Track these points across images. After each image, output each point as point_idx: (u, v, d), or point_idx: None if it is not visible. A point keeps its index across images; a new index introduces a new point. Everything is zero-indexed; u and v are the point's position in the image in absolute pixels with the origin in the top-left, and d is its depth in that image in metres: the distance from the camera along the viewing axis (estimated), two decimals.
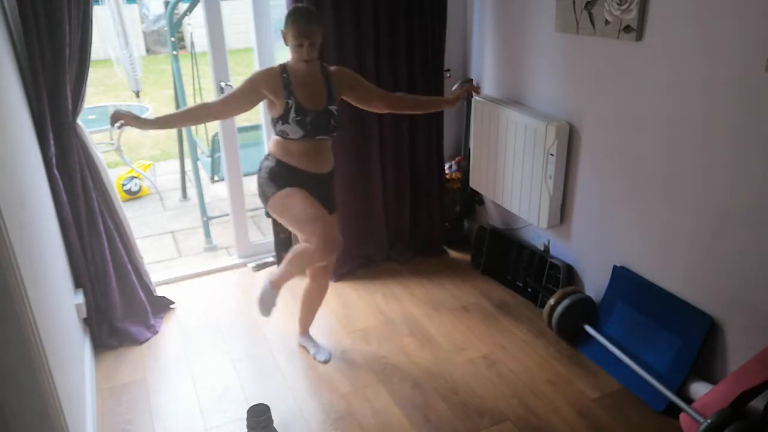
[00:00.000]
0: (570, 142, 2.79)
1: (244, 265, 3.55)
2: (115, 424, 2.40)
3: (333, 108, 2.37)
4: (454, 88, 3.41)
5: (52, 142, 2.53)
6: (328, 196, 2.51)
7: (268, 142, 3.38)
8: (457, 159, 3.64)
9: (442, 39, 3.22)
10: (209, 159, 4.51)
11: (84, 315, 2.72)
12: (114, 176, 4.71)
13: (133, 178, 5.06)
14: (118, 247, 2.82)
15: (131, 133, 6.84)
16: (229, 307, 3.17)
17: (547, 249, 3.11)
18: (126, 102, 6.59)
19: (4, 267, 1.46)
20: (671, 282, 2.45)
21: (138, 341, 2.87)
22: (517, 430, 2.31)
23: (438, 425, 2.34)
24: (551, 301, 2.77)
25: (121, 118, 2.28)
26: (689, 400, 2.28)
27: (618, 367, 2.54)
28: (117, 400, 2.51)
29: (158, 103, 7.92)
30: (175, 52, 4.18)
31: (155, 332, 2.95)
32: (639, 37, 2.33)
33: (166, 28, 4.38)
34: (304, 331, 2.81)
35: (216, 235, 4.21)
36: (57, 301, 2.16)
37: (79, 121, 2.65)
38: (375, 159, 3.28)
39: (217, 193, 5.00)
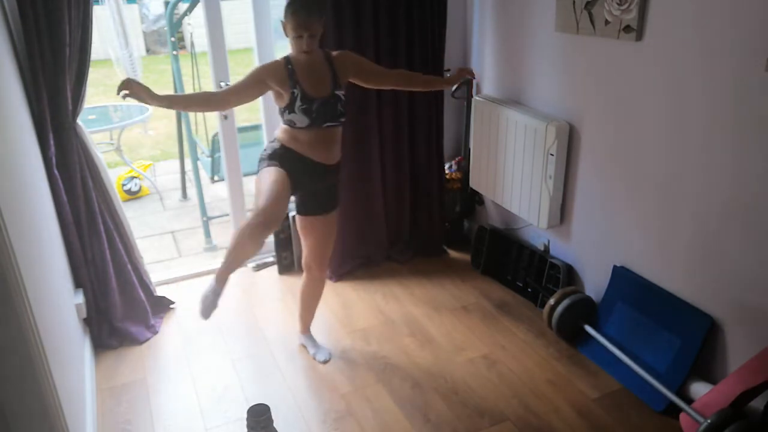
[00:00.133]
0: (570, 142, 2.79)
1: (244, 265, 3.55)
2: (115, 424, 2.40)
3: (340, 93, 2.35)
4: (453, 88, 3.42)
5: (52, 142, 2.53)
6: (329, 189, 2.49)
7: (268, 142, 3.39)
8: (457, 159, 3.64)
9: (442, 39, 3.22)
10: (209, 159, 4.52)
11: (84, 315, 2.72)
12: (114, 176, 4.71)
13: (133, 178, 5.06)
14: (118, 247, 2.82)
15: (131, 132, 6.85)
16: (229, 307, 3.17)
17: (547, 249, 3.11)
18: (126, 102, 6.58)
19: (4, 267, 1.46)
20: (671, 282, 2.45)
21: (138, 341, 2.87)
22: (517, 430, 2.31)
23: (438, 425, 2.34)
24: (551, 301, 2.77)
25: (130, 87, 2.13)
26: (689, 400, 2.28)
27: (618, 367, 2.54)
28: (117, 400, 2.51)
29: None
30: (175, 52, 4.18)
31: (155, 332, 2.95)
32: (639, 37, 2.33)
33: (166, 28, 4.38)
34: (305, 329, 2.81)
35: (216, 235, 4.21)
36: (57, 301, 2.16)
37: (79, 121, 2.65)
38: (375, 159, 3.28)
39: (217, 193, 5.00)
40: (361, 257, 3.48)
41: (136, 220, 4.58)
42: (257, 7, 3.14)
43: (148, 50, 11.45)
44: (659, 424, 2.32)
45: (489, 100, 3.15)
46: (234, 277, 3.41)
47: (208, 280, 2.37)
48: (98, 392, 2.56)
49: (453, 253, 3.65)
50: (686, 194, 2.30)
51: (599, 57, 2.55)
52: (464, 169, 3.57)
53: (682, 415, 2.21)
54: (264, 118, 3.36)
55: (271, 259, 3.54)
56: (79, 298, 2.66)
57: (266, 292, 3.31)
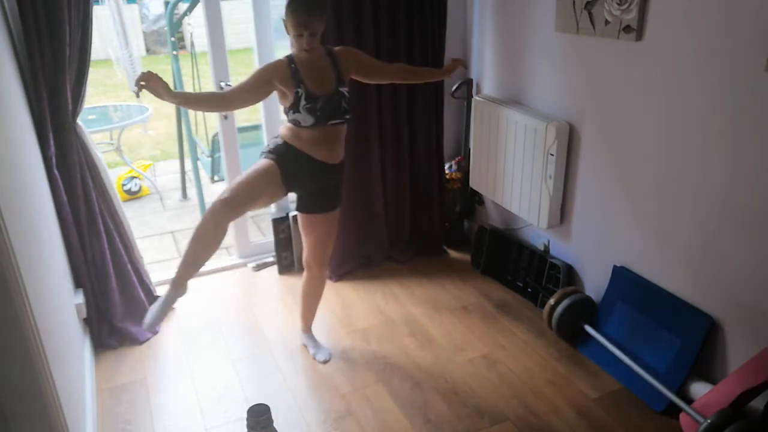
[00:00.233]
0: (570, 142, 2.79)
1: (244, 265, 3.55)
2: (115, 424, 2.40)
3: (344, 90, 2.34)
4: (453, 88, 3.42)
5: (52, 142, 2.53)
6: (331, 188, 2.49)
7: (268, 142, 3.40)
8: (457, 159, 3.64)
9: (442, 39, 3.22)
10: (209, 159, 4.52)
11: (84, 315, 2.72)
12: (114, 176, 4.71)
13: (133, 178, 5.06)
14: (118, 247, 2.82)
15: (131, 132, 6.85)
16: (229, 307, 3.17)
17: (547, 249, 3.11)
18: (126, 102, 6.59)
19: (4, 267, 1.46)
20: (671, 282, 2.45)
21: (138, 341, 2.87)
22: (517, 430, 2.31)
23: (438, 425, 2.35)
24: (551, 301, 2.77)
25: (149, 80, 2.09)
26: (689, 400, 2.28)
27: (618, 367, 2.54)
28: (117, 400, 2.51)
29: (158, 103, 7.90)
30: (175, 52, 4.18)
31: (155, 332, 2.95)
32: (639, 37, 2.33)
33: (166, 28, 4.38)
34: (307, 328, 2.81)
35: None
36: (57, 301, 2.16)
37: (79, 121, 2.65)
38: (375, 159, 3.28)
39: (217, 193, 5.00)
40: (361, 257, 3.48)
41: (136, 220, 4.58)
42: (257, 7, 3.14)
43: (148, 50, 11.45)
44: (659, 424, 2.32)
45: (489, 100, 3.15)
46: (234, 277, 3.45)
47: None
48: (98, 392, 2.56)
49: (453, 253, 3.65)
50: (686, 194, 2.30)
51: (599, 57, 2.55)
52: (464, 169, 3.57)
53: (682, 415, 2.21)
54: (264, 118, 3.36)
55: (271, 259, 3.54)
56: (79, 298, 2.66)
57: (266, 292, 3.31)
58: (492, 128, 3.12)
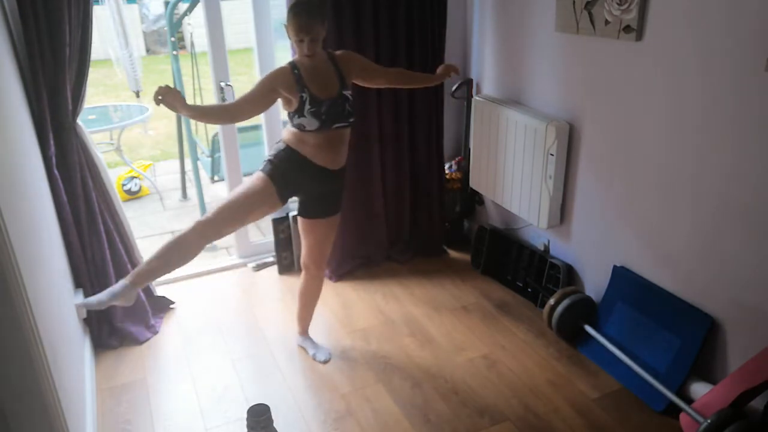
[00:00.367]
0: (570, 142, 2.79)
1: (244, 265, 3.55)
2: (115, 424, 2.40)
3: (347, 93, 2.35)
4: (453, 88, 3.42)
5: (52, 142, 2.53)
6: (332, 194, 2.49)
7: (268, 142, 3.40)
8: (457, 159, 3.64)
9: (442, 39, 3.22)
10: (209, 159, 4.52)
11: (84, 315, 2.72)
12: (114, 176, 4.71)
13: (133, 178, 5.06)
14: (118, 247, 2.82)
15: (131, 132, 6.86)
16: (229, 307, 3.17)
17: (547, 249, 3.11)
18: (126, 102, 6.59)
19: (4, 267, 1.46)
20: (671, 282, 2.45)
21: (138, 341, 2.87)
22: (517, 430, 2.31)
23: (438, 425, 2.35)
24: (551, 301, 2.77)
25: (166, 95, 2.11)
26: (689, 400, 2.28)
27: (618, 367, 2.54)
28: (117, 400, 2.51)
29: None
30: (175, 52, 4.18)
31: (155, 332, 2.95)
32: (639, 37, 2.33)
33: (166, 28, 4.38)
34: (304, 330, 2.81)
35: None
36: (57, 301, 2.16)
37: (79, 121, 2.65)
38: (375, 159, 3.28)
39: (217, 193, 5.00)
40: (361, 257, 3.48)
41: (136, 220, 4.58)
42: (257, 7, 3.14)
43: (148, 50, 11.45)
44: (659, 424, 2.32)
45: (489, 100, 3.15)
46: (234, 277, 3.46)
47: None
48: (98, 392, 2.56)
49: (453, 253, 3.65)
50: (686, 194, 2.30)
51: (599, 57, 2.55)
52: (464, 169, 3.57)
53: (682, 415, 2.21)
54: (264, 118, 3.36)
55: (271, 259, 3.54)
56: (79, 298, 2.66)
57: (266, 292, 3.31)
58: (492, 128, 3.12)
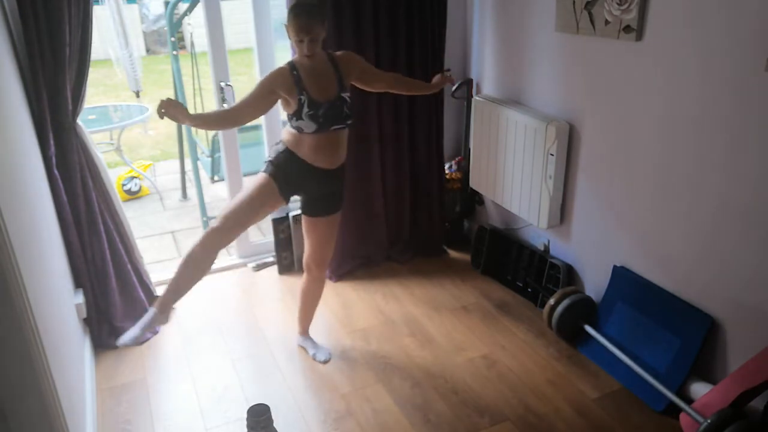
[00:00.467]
0: (570, 142, 2.79)
1: (244, 265, 3.55)
2: (115, 424, 2.40)
3: (345, 95, 2.35)
4: (453, 88, 3.42)
5: (52, 142, 2.53)
6: (332, 193, 2.50)
7: (268, 142, 3.40)
8: (457, 159, 3.64)
9: (442, 39, 3.22)
10: (209, 159, 4.52)
11: (84, 315, 2.72)
12: (114, 176, 4.71)
13: (133, 178, 5.06)
14: (118, 247, 2.82)
15: (131, 132, 6.86)
16: (229, 307, 3.17)
17: (547, 249, 3.11)
18: (126, 102, 6.59)
19: (4, 267, 1.46)
20: (671, 282, 2.45)
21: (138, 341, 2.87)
22: (517, 430, 2.31)
23: (438, 425, 2.35)
24: (551, 301, 2.77)
25: (169, 107, 2.17)
26: (689, 400, 2.28)
27: (618, 367, 2.54)
28: (117, 400, 2.51)
29: (158, 103, 7.90)
30: (175, 52, 4.18)
31: (155, 332, 2.95)
32: (639, 37, 2.33)
33: (166, 28, 4.38)
34: (304, 330, 2.81)
35: None
36: (57, 301, 2.16)
37: (79, 121, 2.65)
38: (375, 159, 3.28)
39: (217, 193, 5.00)
40: (361, 257, 3.48)
41: (136, 220, 4.58)
42: (257, 7, 3.14)
43: (148, 50, 11.46)
44: (659, 424, 2.32)
45: (489, 100, 3.15)
46: (234, 277, 3.46)
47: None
48: (98, 392, 2.56)
49: (453, 253, 3.65)
50: (686, 194, 2.30)
51: (599, 57, 2.55)
52: (464, 169, 3.57)
53: (682, 415, 2.21)
54: (264, 119, 3.36)
55: (271, 259, 3.54)
56: (79, 298, 2.66)
57: (266, 292, 3.31)
58: (492, 128, 3.12)
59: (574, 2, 2.56)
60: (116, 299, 2.84)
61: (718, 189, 2.17)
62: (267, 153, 2.51)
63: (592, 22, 2.50)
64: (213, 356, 2.78)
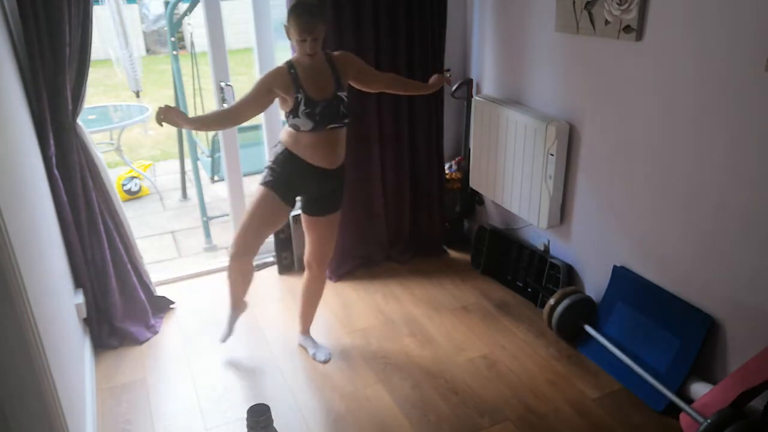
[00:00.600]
0: (570, 142, 2.79)
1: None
2: (115, 424, 2.40)
3: (342, 94, 2.37)
4: (453, 88, 3.42)
5: (52, 142, 2.53)
6: (332, 193, 2.52)
7: (268, 142, 3.40)
8: (457, 159, 3.64)
9: (442, 39, 3.22)
10: (209, 159, 4.51)
11: (84, 315, 2.72)
12: (114, 176, 4.71)
13: (133, 178, 5.06)
14: (118, 247, 2.82)
15: (131, 132, 6.85)
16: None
17: (547, 249, 3.11)
18: (126, 102, 6.59)
19: (4, 267, 1.46)
20: (671, 282, 2.45)
21: (138, 341, 2.87)
22: (517, 430, 2.31)
23: (438, 425, 2.35)
24: (551, 301, 2.77)
25: (168, 114, 2.22)
26: (689, 400, 2.28)
27: (618, 367, 2.54)
28: (117, 400, 2.51)
29: (158, 103, 7.86)
30: (175, 52, 4.17)
31: (155, 332, 2.95)
32: (639, 37, 2.33)
33: (166, 28, 4.38)
34: (305, 330, 2.82)
35: (216, 235, 4.21)
36: (57, 301, 2.16)
37: (79, 121, 2.65)
38: (375, 159, 3.28)
39: (217, 193, 5.01)
40: (361, 257, 3.48)
41: (136, 220, 4.58)
42: (257, 7, 3.14)
43: (148, 50, 11.46)
44: (659, 424, 2.32)
45: (489, 100, 3.15)
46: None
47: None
48: (98, 392, 2.56)
49: (453, 253, 3.65)
50: (686, 194, 2.30)
51: (599, 57, 2.55)
52: (464, 169, 3.57)
53: (682, 415, 2.21)
54: (264, 118, 3.36)
55: (271, 259, 3.54)
56: (79, 298, 2.66)
57: (266, 292, 3.31)
58: (492, 128, 3.12)
59: (574, 2, 2.56)
60: (116, 299, 2.84)
61: (718, 189, 2.17)
62: (267, 153, 2.53)
63: (592, 22, 2.50)
64: (213, 356, 2.79)
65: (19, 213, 1.76)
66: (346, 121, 2.39)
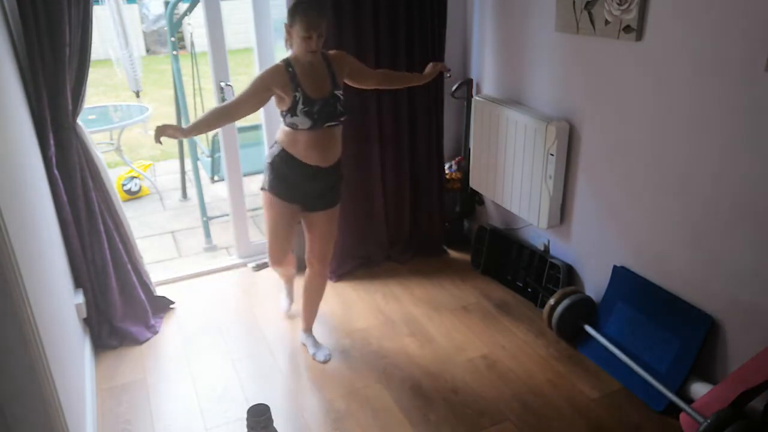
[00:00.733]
0: (570, 142, 2.79)
1: (244, 265, 3.55)
2: (115, 424, 2.40)
3: (339, 93, 2.40)
4: (453, 88, 3.42)
5: (52, 142, 2.53)
6: (329, 189, 2.54)
7: (268, 142, 3.40)
8: (457, 159, 3.64)
9: (442, 39, 3.22)
10: (209, 159, 4.51)
11: (84, 315, 2.72)
12: (114, 176, 4.71)
13: (133, 178, 5.06)
14: (118, 247, 2.82)
15: (131, 132, 6.85)
16: (229, 307, 3.17)
17: (547, 249, 3.11)
18: (126, 102, 6.59)
19: (4, 267, 1.46)
20: (671, 282, 2.45)
21: (138, 341, 2.87)
22: (517, 430, 2.31)
23: (438, 425, 2.35)
24: (551, 301, 2.77)
25: (165, 131, 2.27)
26: (689, 400, 2.28)
27: (618, 367, 2.54)
28: (117, 400, 2.51)
29: (158, 103, 7.92)
30: (175, 52, 4.17)
31: (155, 332, 2.95)
32: (639, 37, 2.33)
33: (166, 28, 4.38)
34: (307, 328, 2.82)
35: (216, 235, 4.21)
36: (57, 301, 2.16)
37: (79, 121, 2.65)
38: (375, 159, 3.28)
39: (217, 193, 5.01)
40: (361, 257, 3.48)
41: (136, 220, 4.58)
42: (257, 7, 3.14)
43: (148, 50, 11.46)
44: (659, 424, 2.32)
45: (489, 100, 3.15)
46: (234, 277, 3.47)
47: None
48: (98, 392, 2.56)
49: (453, 253, 3.65)
50: (686, 194, 2.30)
51: (599, 57, 2.55)
52: (464, 169, 3.57)
53: (682, 415, 2.21)
54: (264, 118, 3.36)
55: None
56: (79, 298, 2.66)
57: (266, 292, 3.31)
58: (492, 128, 3.12)
59: (574, 2, 2.56)
60: (116, 299, 2.84)
61: (718, 189, 2.17)
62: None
63: (592, 22, 2.50)
64: (213, 356, 2.78)
65: (19, 213, 1.76)
66: (342, 118, 2.41)
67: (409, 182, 3.44)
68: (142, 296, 2.94)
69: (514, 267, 3.26)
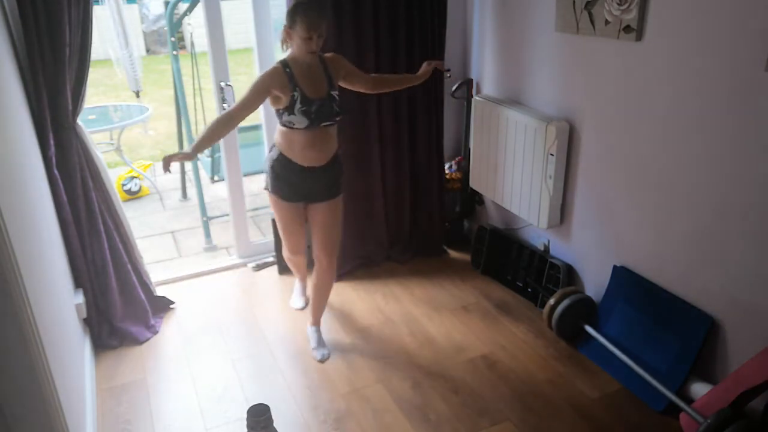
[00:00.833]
0: (570, 142, 2.79)
1: (244, 265, 3.55)
2: (115, 424, 2.40)
3: (335, 93, 2.44)
4: (453, 88, 3.42)
5: (52, 142, 2.53)
6: (330, 183, 2.58)
7: (268, 142, 3.40)
8: (457, 159, 3.64)
9: (442, 39, 3.22)
10: (209, 159, 4.51)
11: (84, 315, 2.72)
12: (114, 176, 4.71)
13: (133, 178, 5.06)
14: (118, 247, 2.82)
15: (131, 132, 6.86)
16: (229, 307, 3.17)
17: (547, 249, 3.11)
18: (126, 102, 6.59)
19: (4, 267, 1.46)
20: (671, 282, 2.45)
21: (138, 341, 2.87)
22: (517, 430, 2.31)
23: (438, 425, 2.34)
24: (551, 301, 2.77)
25: (169, 161, 2.31)
26: (689, 400, 2.28)
27: (618, 367, 2.54)
28: (117, 400, 2.51)
29: (158, 103, 7.92)
30: (175, 52, 4.17)
31: (155, 332, 2.95)
32: (639, 37, 2.33)
33: (166, 28, 4.38)
34: (315, 321, 2.84)
35: (216, 235, 4.21)
36: (57, 301, 2.16)
37: (79, 121, 2.65)
38: (375, 159, 3.28)
39: (217, 193, 5.00)
40: (361, 257, 3.48)
41: (136, 220, 4.58)
42: (257, 7, 3.14)
43: (148, 50, 11.46)
44: (659, 424, 2.32)
45: (489, 100, 3.15)
46: (234, 277, 3.47)
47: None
48: (98, 392, 2.56)
49: (453, 253, 3.65)
50: (686, 194, 2.30)
51: (599, 57, 2.55)
52: (464, 169, 3.57)
53: (682, 415, 2.21)
54: (264, 119, 3.36)
55: (271, 259, 3.54)
56: (79, 298, 2.66)
57: (266, 292, 3.31)
58: (492, 128, 3.12)
59: (574, 2, 2.56)
60: (116, 299, 2.84)
61: (718, 189, 2.17)
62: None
63: (592, 22, 2.50)
64: (213, 356, 2.78)
65: (19, 213, 1.76)
66: (338, 118, 2.47)
67: (409, 182, 3.44)
68: (142, 296, 2.94)
69: (514, 267, 3.26)
